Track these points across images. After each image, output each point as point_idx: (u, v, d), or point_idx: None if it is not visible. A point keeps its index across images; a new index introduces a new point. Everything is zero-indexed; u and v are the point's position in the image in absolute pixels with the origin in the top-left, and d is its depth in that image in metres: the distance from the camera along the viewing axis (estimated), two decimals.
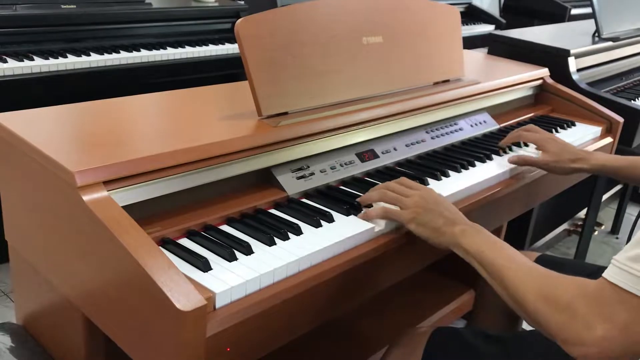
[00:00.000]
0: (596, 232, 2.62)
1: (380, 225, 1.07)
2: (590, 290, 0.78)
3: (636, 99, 2.11)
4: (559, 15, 4.18)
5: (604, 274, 0.77)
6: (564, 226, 2.69)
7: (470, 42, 3.20)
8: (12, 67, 1.94)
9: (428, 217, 1.02)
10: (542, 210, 2.35)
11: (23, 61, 1.98)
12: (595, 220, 2.45)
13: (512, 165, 1.41)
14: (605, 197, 2.89)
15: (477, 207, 1.27)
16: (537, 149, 1.45)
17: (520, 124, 1.75)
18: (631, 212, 3.10)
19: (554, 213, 2.52)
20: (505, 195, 1.37)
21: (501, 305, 1.46)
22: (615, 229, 2.91)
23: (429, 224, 1.02)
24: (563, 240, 2.75)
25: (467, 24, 3.73)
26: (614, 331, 0.74)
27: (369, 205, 1.12)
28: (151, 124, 1.19)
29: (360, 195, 1.15)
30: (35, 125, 1.07)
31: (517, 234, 2.29)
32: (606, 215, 3.02)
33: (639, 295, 0.73)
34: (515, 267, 0.88)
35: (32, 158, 0.97)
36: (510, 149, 1.52)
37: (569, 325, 0.77)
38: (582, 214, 2.71)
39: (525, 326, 1.67)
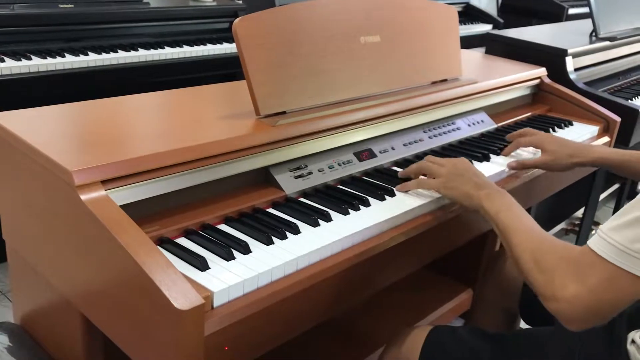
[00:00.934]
0: (593, 231, 2.62)
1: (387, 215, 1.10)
2: (573, 254, 0.86)
3: (633, 99, 2.11)
4: (556, 15, 4.19)
5: (588, 242, 0.84)
6: (562, 225, 2.69)
7: (468, 42, 3.20)
8: (9, 66, 1.94)
9: (458, 182, 1.12)
10: (540, 209, 2.35)
11: (21, 60, 1.98)
12: (593, 219, 2.45)
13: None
14: (602, 196, 2.90)
15: None
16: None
17: (517, 124, 1.75)
18: None
19: (551, 212, 2.53)
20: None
21: (499, 304, 1.47)
22: None
23: (458, 187, 1.12)
24: (561, 239, 2.75)
25: (464, 24, 3.74)
26: (583, 291, 0.82)
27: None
28: (149, 123, 1.19)
29: (357, 194, 1.16)
30: (33, 125, 1.07)
31: None
32: (603, 215, 3.03)
33: (611, 262, 0.80)
34: (522, 229, 0.97)
35: (30, 157, 0.97)
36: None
37: (548, 283, 0.86)
38: (580, 213, 2.71)
39: (523, 325, 1.67)
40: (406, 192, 1.20)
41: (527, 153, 1.50)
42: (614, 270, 0.80)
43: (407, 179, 1.23)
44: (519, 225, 0.98)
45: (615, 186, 3.05)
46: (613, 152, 1.37)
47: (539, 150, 1.42)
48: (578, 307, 0.82)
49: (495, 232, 1.03)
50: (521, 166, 1.41)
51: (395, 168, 1.34)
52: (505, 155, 1.47)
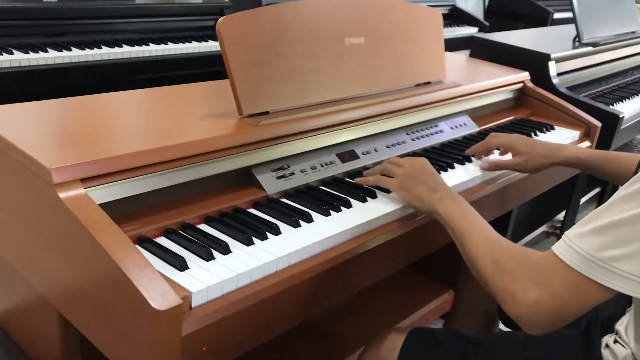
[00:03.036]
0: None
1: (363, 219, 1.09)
2: (534, 259, 0.85)
3: (614, 104, 2.14)
4: (542, 19, 4.23)
5: (553, 247, 0.84)
6: (543, 228, 2.72)
7: (454, 44, 3.22)
8: None
9: (412, 183, 1.12)
10: (521, 212, 2.37)
11: (2, 55, 1.95)
12: (574, 222, 2.48)
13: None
14: (583, 199, 2.92)
15: None
16: (501, 153, 1.45)
17: (500, 127, 1.77)
18: None
19: (532, 215, 2.55)
20: (483, 197, 1.38)
21: (479, 306, 1.48)
22: None
23: (411, 189, 1.11)
24: (542, 242, 2.78)
25: (450, 26, 3.76)
26: (545, 297, 0.81)
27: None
28: (131, 121, 1.18)
29: (339, 195, 1.16)
30: (13, 121, 1.06)
31: None
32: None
33: (575, 269, 0.79)
34: (477, 233, 0.96)
35: (9, 154, 0.96)
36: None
37: (508, 288, 0.85)
38: (561, 216, 2.74)
39: (502, 327, 1.69)
40: (366, 185, 1.21)
41: (497, 157, 1.48)
42: (578, 277, 0.79)
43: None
44: (474, 229, 0.97)
45: (597, 190, 3.08)
46: (586, 152, 1.37)
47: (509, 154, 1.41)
48: (539, 312, 0.81)
49: (451, 237, 1.02)
50: (494, 166, 1.40)
51: None
52: (470, 154, 1.45)
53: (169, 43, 2.41)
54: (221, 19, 1.12)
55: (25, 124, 1.07)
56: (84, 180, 0.89)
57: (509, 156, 1.42)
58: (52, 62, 2.05)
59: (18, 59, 1.97)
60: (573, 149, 1.39)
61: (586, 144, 1.81)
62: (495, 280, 0.88)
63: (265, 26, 1.19)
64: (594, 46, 2.30)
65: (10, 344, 1.17)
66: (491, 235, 0.95)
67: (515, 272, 0.85)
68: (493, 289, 0.88)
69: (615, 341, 0.96)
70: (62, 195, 0.86)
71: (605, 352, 0.96)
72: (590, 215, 0.81)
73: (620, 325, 0.97)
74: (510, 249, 0.90)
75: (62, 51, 2.10)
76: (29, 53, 2.01)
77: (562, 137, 1.76)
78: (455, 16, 3.92)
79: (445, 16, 1.49)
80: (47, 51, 2.06)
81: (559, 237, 2.33)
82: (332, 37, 1.31)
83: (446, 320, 1.95)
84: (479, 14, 4.11)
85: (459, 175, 1.36)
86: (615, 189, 2.54)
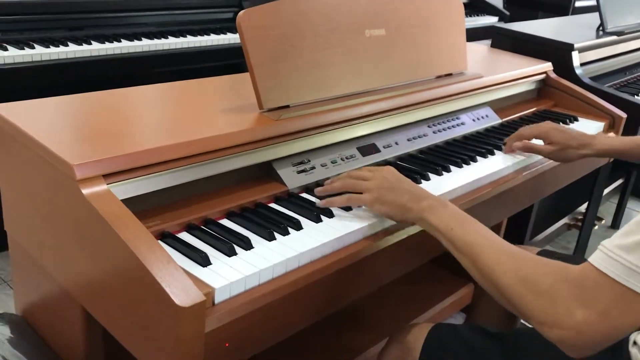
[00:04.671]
0: (596, 227, 2.61)
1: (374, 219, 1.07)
2: (572, 274, 0.77)
3: (639, 94, 2.10)
4: (563, 7, 4.15)
5: (590, 259, 0.77)
6: (564, 220, 2.68)
7: (474, 34, 3.18)
8: (12, 55, 1.93)
9: (392, 195, 1.01)
10: (543, 204, 2.34)
11: (24, 49, 1.97)
12: (596, 214, 2.44)
13: (515, 160, 1.40)
14: (606, 191, 2.88)
15: (479, 203, 1.27)
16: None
17: (522, 119, 1.74)
18: (632, 206, 3.10)
19: (554, 207, 2.52)
20: (506, 190, 1.36)
21: None
22: (615, 224, 2.91)
23: (393, 201, 1.00)
24: (563, 234, 2.74)
25: (470, 16, 3.71)
26: (593, 316, 0.74)
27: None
28: (152, 116, 1.18)
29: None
30: (36, 117, 1.07)
31: (517, 228, 2.29)
32: (607, 210, 3.02)
33: (626, 285, 0.72)
34: (489, 246, 0.87)
35: (32, 150, 0.97)
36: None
37: (548, 309, 0.77)
38: (583, 208, 2.70)
39: (524, 321, 1.67)
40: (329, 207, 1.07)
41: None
42: (626, 292, 0.72)
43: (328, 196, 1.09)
44: (484, 241, 0.87)
45: (619, 181, 3.03)
46: (618, 142, 1.38)
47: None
48: (588, 334, 0.74)
49: (446, 246, 0.93)
50: (527, 148, 1.39)
51: (400, 163, 1.33)
52: (507, 151, 1.45)
53: (187, 36, 2.41)
54: (241, 12, 1.11)
55: (48, 120, 1.07)
56: (106, 176, 0.90)
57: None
58: (72, 56, 2.06)
59: (39, 53, 1.98)
60: (604, 140, 1.39)
61: (611, 135, 1.78)
62: (528, 301, 0.79)
63: (285, 19, 1.18)
64: (618, 35, 2.25)
65: (35, 337, 1.19)
66: (508, 247, 0.87)
67: (553, 292, 0.77)
68: (525, 310, 0.80)
69: None
70: (85, 191, 0.86)
71: (633, 350, 0.95)
72: (630, 225, 0.75)
73: None
74: (540, 264, 0.82)
75: (82, 45, 2.11)
76: (49, 47, 2.02)
77: (586, 128, 1.73)
78: (475, 5, 3.86)
79: (465, 5, 1.47)
80: (67, 45, 2.07)
81: (580, 229, 2.31)
82: (352, 29, 1.30)
83: (467, 313, 1.94)
84: (498, 3, 4.04)
85: (483, 168, 1.35)
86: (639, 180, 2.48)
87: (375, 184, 1.03)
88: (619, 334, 0.75)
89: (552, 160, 1.46)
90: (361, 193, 1.05)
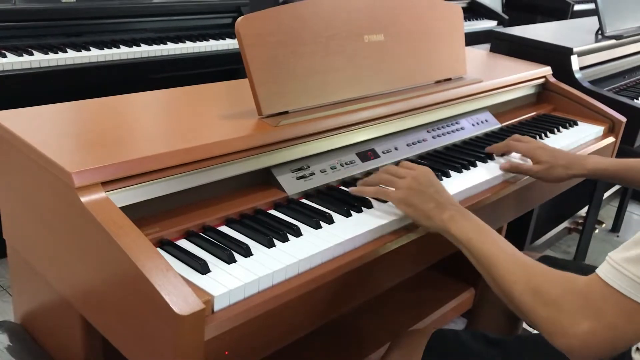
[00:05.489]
0: (597, 231, 2.61)
1: (383, 221, 1.07)
2: (579, 285, 0.79)
3: (639, 98, 2.10)
4: (562, 11, 4.16)
5: (597, 271, 0.78)
6: (565, 224, 2.68)
7: (473, 38, 3.18)
8: (11, 61, 1.93)
9: (418, 199, 1.03)
10: (543, 208, 2.34)
11: (22, 56, 1.97)
12: (596, 218, 2.44)
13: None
14: (606, 195, 2.88)
15: (478, 208, 1.26)
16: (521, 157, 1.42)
17: (522, 123, 1.74)
18: (632, 210, 3.10)
19: (554, 211, 2.52)
20: (507, 195, 1.36)
21: (502, 306, 1.46)
22: (616, 227, 2.90)
23: (418, 206, 1.03)
24: (564, 238, 2.74)
25: (469, 20, 3.72)
26: (599, 328, 0.75)
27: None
28: (150, 123, 1.18)
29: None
30: (34, 124, 1.06)
31: (518, 232, 2.28)
32: (607, 214, 3.01)
33: (630, 297, 0.74)
34: (503, 257, 0.89)
35: (30, 157, 0.97)
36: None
37: (555, 319, 0.79)
38: (583, 212, 2.70)
39: (526, 326, 1.67)
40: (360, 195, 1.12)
41: (518, 160, 1.46)
42: (632, 304, 0.73)
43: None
44: (499, 252, 0.90)
45: (619, 185, 3.03)
46: (608, 162, 1.34)
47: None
48: (593, 344, 0.75)
49: (467, 257, 0.96)
50: (514, 169, 1.37)
51: None
52: (491, 151, 1.43)
53: (186, 41, 2.41)
54: (240, 19, 1.11)
55: (46, 127, 1.07)
56: (105, 183, 0.89)
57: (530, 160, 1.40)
58: (71, 62, 2.06)
59: (38, 59, 1.98)
60: (594, 160, 1.35)
61: (610, 139, 1.78)
62: (537, 311, 0.81)
63: (284, 25, 1.18)
64: (617, 39, 2.25)
65: (34, 345, 1.18)
66: (520, 258, 0.89)
67: (561, 302, 0.79)
68: (534, 319, 0.82)
69: None
70: (83, 199, 0.86)
71: (635, 356, 0.94)
72: (637, 237, 0.76)
73: None
74: (549, 274, 0.83)
75: (80, 51, 2.11)
76: (48, 54, 2.02)
77: (585, 132, 1.73)
78: (474, 9, 3.87)
79: (464, 10, 1.47)
80: (66, 51, 2.07)
81: (581, 233, 2.31)
82: (351, 34, 1.30)
83: (468, 318, 1.94)
84: (497, 7, 4.05)
85: (481, 174, 1.34)
86: None
87: (406, 183, 1.06)
88: (624, 345, 0.76)
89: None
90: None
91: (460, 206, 1.02)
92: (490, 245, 0.92)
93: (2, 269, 2.15)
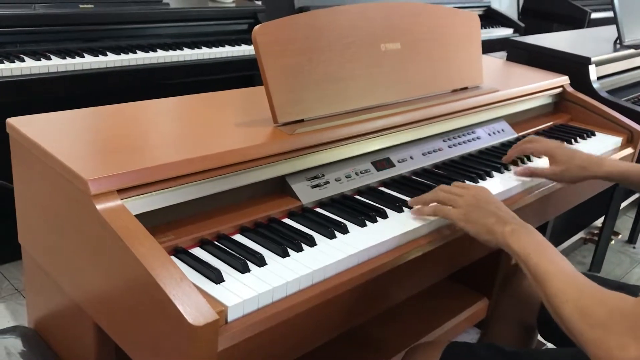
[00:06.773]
0: (613, 242, 2.58)
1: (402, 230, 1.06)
2: (627, 308, 0.76)
3: None
4: (578, 19, 4.13)
5: None
6: (580, 234, 2.65)
7: (489, 46, 3.17)
8: (29, 66, 1.94)
9: (479, 215, 1.03)
10: (559, 219, 2.31)
11: (40, 60, 1.98)
12: (613, 229, 2.41)
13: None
14: (622, 205, 2.84)
15: None
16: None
17: (538, 133, 1.72)
18: None
19: (570, 221, 2.49)
20: (524, 206, 1.34)
21: (516, 318, 1.44)
22: (632, 239, 2.86)
23: (479, 221, 1.03)
24: (579, 248, 2.71)
25: (485, 27, 3.70)
26: None
27: None
28: (166, 130, 1.18)
29: (374, 205, 1.14)
30: (51, 131, 1.07)
31: None
32: (623, 224, 2.98)
33: None
34: (558, 275, 0.87)
35: (47, 164, 0.97)
36: (519, 162, 1.47)
37: (602, 342, 0.76)
38: (599, 222, 2.67)
39: (541, 338, 1.64)
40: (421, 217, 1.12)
41: (535, 165, 1.44)
42: None
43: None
44: (555, 270, 0.88)
45: (636, 195, 2.99)
46: (625, 166, 1.32)
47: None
48: None
49: (524, 271, 0.94)
50: (529, 173, 1.36)
51: (414, 178, 1.32)
52: (507, 161, 1.43)
53: (202, 47, 2.41)
54: (257, 26, 1.11)
55: (63, 134, 1.07)
56: (120, 191, 0.89)
57: (546, 163, 1.38)
58: (88, 67, 2.07)
59: (56, 64, 1.99)
60: (611, 162, 1.33)
61: (629, 150, 1.76)
62: (583, 331, 0.79)
63: (301, 33, 1.17)
64: (636, 48, 2.23)
65: (47, 350, 1.19)
66: (575, 278, 0.86)
67: (608, 324, 0.76)
68: (581, 339, 0.80)
69: None
70: (99, 206, 0.86)
71: None
72: None
73: None
74: (597, 295, 0.81)
75: (98, 56, 2.12)
76: (66, 58, 2.04)
77: (603, 143, 1.71)
78: (490, 17, 3.85)
79: (480, 17, 1.47)
80: (83, 56, 2.08)
81: (596, 244, 2.27)
82: (367, 42, 1.29)
83: (481, 328, 1.92)
84: (512, 14, 4.03)
85: (497, 184, 1.33)
86: None
87: (465, 201, 1.06)
88: None
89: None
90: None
91: (523, 221, 1.01)
92: (546, 262, 0.90)
93: (16, 271, 2.16)
